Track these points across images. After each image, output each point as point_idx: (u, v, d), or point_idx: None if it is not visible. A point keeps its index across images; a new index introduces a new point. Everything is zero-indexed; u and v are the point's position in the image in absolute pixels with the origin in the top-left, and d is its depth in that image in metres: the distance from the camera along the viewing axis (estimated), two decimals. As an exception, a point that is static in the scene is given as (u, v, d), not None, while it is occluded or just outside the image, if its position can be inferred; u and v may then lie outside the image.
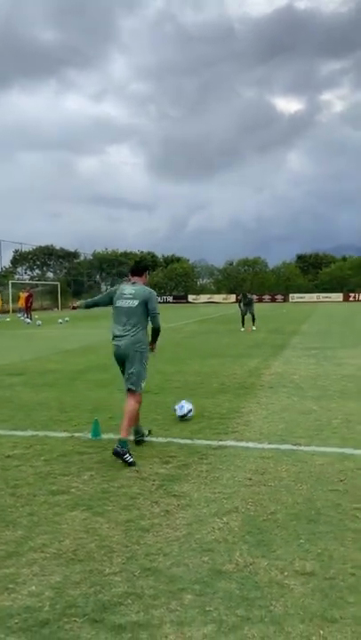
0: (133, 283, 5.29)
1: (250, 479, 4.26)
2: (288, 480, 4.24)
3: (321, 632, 2.40)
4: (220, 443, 5.27)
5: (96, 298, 5.56)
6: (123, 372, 5.22)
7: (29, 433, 5.78)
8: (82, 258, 69.66)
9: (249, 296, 21.08)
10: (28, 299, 30.76)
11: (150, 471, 4.49)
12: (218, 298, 67.28)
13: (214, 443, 5.27)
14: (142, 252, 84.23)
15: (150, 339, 5.30)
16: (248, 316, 20.55)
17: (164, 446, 5.19)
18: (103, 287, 74.14)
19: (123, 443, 4.74)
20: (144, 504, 3.79)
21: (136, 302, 5.12)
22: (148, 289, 5.21)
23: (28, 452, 5.10)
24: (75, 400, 7.51)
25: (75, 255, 68.60)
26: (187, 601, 2.65)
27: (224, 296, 67.70)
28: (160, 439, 5.44)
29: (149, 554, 3.11)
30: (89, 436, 5.56)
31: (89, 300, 5.64)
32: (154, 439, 5.43)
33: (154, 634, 2.40)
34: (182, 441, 5.36)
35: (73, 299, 56.14)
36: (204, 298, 67.56)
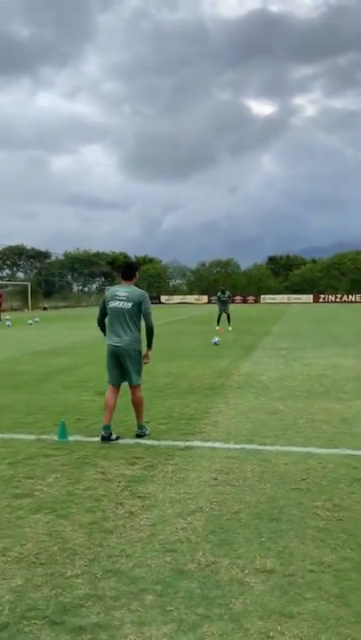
0: (126, 285, 5.57)
1: (215, 479, 4.30)
2: (253, 479, 4.29)
3: (279, 627, 2.45)
4: (187, 443, 5.30)
5: (98, 317, 5.74)
6: (113, 369, 5.51)
7: (-5, 436, 5.71)
8: (53, 258, 68.87)
9: (226, 294, 21.22)
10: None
11: (116, 472, 4.49)
12: (190, 299, 67.53)
13: (181, 443, 5.30)
14: (114, 252, 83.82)
15: (146, 340, 5.58)
16: (224, 316, 20.69)
17: (131, 447, 5.20)
18: (75, 288, 73.54)
19: (141, 427, 5.58)
20: (108, 506, 3.79)
21: (130, 304, 5.42)
22: (141, 291, 5.51)
23: (-8, 455, 5.03)
24: (42, 402, 7.45)
25: (46, 255, 67.76)
26: (148, 601, 2.67)
27: (196, 297, 68.00)
28: (127, 441, 5.45)
29: (112, 555, 3.11)
30: (55, 438, 5.53)
31: (100, 325, 5.75)
32: (121, 441, 5.43)
33: (114, 634, 2.41)
34: (149, 442, 5.39)
35: (43, 299, 55.57)
36: (176, 299, 67.74)
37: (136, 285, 5.63)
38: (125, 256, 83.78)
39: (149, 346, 5.62)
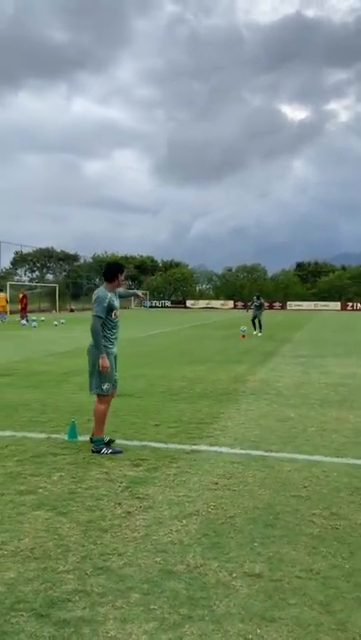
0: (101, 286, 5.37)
1: (216, 483, 4.33)
2: (253, 485, 4.30)
3: (258, 631, 2.48)
4: (194, 447, 5.33)
5: None
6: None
7: (8, 433, 5.85)
8: (82, 261, 69.84)
9: (259, 300, 21.20)
10: (22, 300, 30.90)
11: (119, 473, 4.56)
12: (216, 303, 67.40)
13: (187, 447, 5.33)
14: (142, 255, 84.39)
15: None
16: (257, 321, 20.58)
17: (138, 450, 5.26)
18: (102, 290, 73.85)
19: (94, 441, 5.18)
20: (107, 505, 3.86)
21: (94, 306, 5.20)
22: (100, 291, 5.22)
23: (2, 452, 5.16)
24: (57, 402, 7.58)
25: (74, 258, 68.87)
26: (133, 599, 2.73)
27: (222, 302, 67.83)
28: (135, 442, 5.50)
29: (104, 553, 3.18)
30: (65, 437, 5.63)
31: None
32: (129, 442, 5.50)
33: (96, 629, 2.48)
34: (156, 445, 5.43)
35: (71, 301, 56.32)
36: (202, 303, 67.71)
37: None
38: (153, 260, 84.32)
39: (100, 350, 5.17)
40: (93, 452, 5.14)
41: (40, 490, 4.17)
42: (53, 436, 5.77)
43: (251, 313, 21.48)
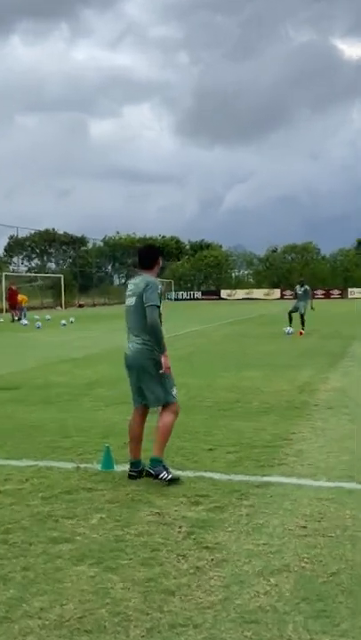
0: (139, 274, 5.34)
1: (304, 527, 4.16)
2: (354, 529, 4.11)
3: None
4: (265, 479, 5.19)
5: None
6: (132, 385, 5.36)
7: (25, 463, 5.78)
8: (90, 245, 70.28)
9: (303, 288, 20.95)
10: (11, 295, 31.26)
11: (176, 515, 4.41)
12: (258, 293, 67.18)
13: (257, 479, 5.20)
14: (164, 236, 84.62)
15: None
16: (296, 314, 20.36)
17: (193, 482, 5.12)
18: (116, 281, 74.63)
19: (155, 461, 5.09)
20: (168, 558, 3.71)
21: (134, 299, 5.19)
22: (148, 278, 5.20)
23: (23, 486, 5.08)
24: (81, 422, 7.50)
25: (82, 242, 69.27)
26: None
27: (266, 291, 67.57)
28: (188, 473, 5.37)
29: (175, 625, 3.00)
30: (98, 467, 5.55)
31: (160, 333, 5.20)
32: (181, 473, 5.35)
33: None
34: (216, 476, 5.29)
35: (79, 295, 56.74)
36: (240, 293, 67.56)
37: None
38: (178, 241, 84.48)
39: (159, 351, 5.12)
40: (149, 474, 5.11)
41: (78, 537, 4.04)
42: (83, 465, 5.69)
43: (293, 304, 21.18)
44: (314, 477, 5.21)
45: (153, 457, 5.15)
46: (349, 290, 63.95)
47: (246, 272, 79.84)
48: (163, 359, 5.10)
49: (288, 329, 19.70)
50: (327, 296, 62.45)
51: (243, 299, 64.65)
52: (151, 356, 5.14)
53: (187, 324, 25.23)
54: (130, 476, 5.24)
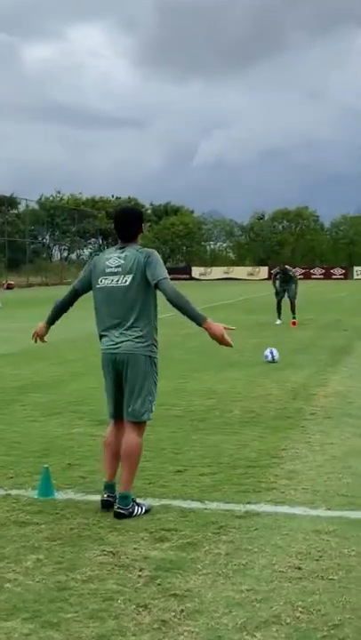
0: (122, 248, 5.35)
1: (298, 569, 4.21)
2: (361, 570, 4.20)
3: None
4: (249, 507, 5.25)
5: (66, 295, 5.61)
6: (113, 390, 5.38)
7: None
8: (22, 207, 69.66)
9: (289, 271, 21.24)
10: None
11: (135, 554, 4.43)
12: (240, 272, 67.67)
13: (239, 508, 5.26)
14: (119, 198, 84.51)
15: (188, 318, 5.20)
16: (286, 302, 20.68)
17: (158, 513, 5.17)
18: (56, 254, 74.24)
19: (122, 498, 5.12)
20: (125, 610, 3.72)
21: (129, 278, 5.18)
22: (142, 250, 5.28)
23: None
24: (10, 436, 7.55)
25: (11, 203, 68.63)
26: None
27: (250, 269, 68.01)
28: (149, 501, 5.42)
29: None
30: (34, 494, 5.58)
31: (53, 308, 5.65)
32: (140, 501, 5.39)
33: None
34: (187, 504, 5.35)
35: (7, 272, 56.29)
36: (217, 272, 67.99)
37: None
38: (137, 203, 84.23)
39: (200, 319, 5.08)
40: (121, 514, 5.07)
41: (8, 585, 4.03)
42: (14, 491, 5.71)
43: (277, 291, 21.37)
44: (311, 505, 5.28)
45: (123, 493, 5.17)
46: (355, 269, 64.72)
47: (225, 245, 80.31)
48: (212, 326, 5.02)
49: (279, 322, 20.02)
50: (327, 276, 63.21)
51: (221, 279, 65.01)
52: (149, 351, 5.27)
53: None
54: (104, 505, 5.25)
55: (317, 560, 4.33)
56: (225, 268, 69.02)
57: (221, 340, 5.10)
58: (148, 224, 78.30)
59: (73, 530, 4.85)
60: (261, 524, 4.90)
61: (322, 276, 62.40)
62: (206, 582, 4.03)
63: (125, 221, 5.46)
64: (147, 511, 5.16)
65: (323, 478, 5.93)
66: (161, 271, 5.15)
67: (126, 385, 5.23)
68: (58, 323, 5.71)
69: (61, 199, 77.85)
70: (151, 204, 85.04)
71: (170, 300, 5.10)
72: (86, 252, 77.55)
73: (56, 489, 5.58)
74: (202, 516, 5.08)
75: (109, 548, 4.52)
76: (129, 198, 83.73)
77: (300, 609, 3.72)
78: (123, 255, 5.26)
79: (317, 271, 63.15)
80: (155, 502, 5.38)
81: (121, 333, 5.21)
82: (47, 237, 75.07)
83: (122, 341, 5.19)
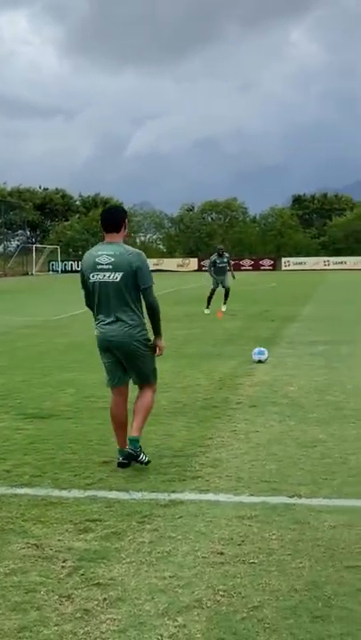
0: (109, 243, 6.02)
1: (220, 554, 4.29)
2: (281, 553, 4.29)
3: None
4: (173, 496, 5.32)
5: (85, 299, 6.33)
6: (111, 365, 6.14)
7: None
8: None
9: (225, 258, 21.35)
10: None
11: (59, 546, 4.46)
12: (170, 264, 67.75)
13: (164, 497, 5.33)
14: (47, 189, 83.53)
15: (151, 325, 6.15)
16: (220, 290, 20.84)
17: (83, 504, 5.20)
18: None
19: (133, 441, 5.95)
20: (48, 600, 3.75)
21: (119, 275, 5.86)
22: (133, 251, 6.01)
23: None
24: None
25: None
26: None
27: (179, 261, 68.17)
28: (75, 493, 5.45)
29: None
30: None
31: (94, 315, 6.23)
32: (67, 494, 5.44)
33: None
34: (112, 495, 5.39)
35: None
36: (148, 264, 67.73)
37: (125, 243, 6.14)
38: (64, 195, 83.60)
39: (157, 333, 6.18)
40: (131, 455, 5.94)
41: None
42: None
43: (212, 280, 21.56)
44: (234, 492, 5.38)
45: (132, 437, 5.96)
46: (283, 260, 65.61)
47: (155, 236, 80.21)
48: (159, 342, 6.14)
49: (207, 311, 20.20)
50: (256, 267, 63.92)
51: (151, 270, 64.84)
52: (141, 336, 6.01)
53: (78, 302, 25.04)
54: (119, 465, 6.03)
55: (239, 545, 4.42)
56: (155, 260, 68.80)
57: (158, 354, 6.27)
58: (77, 216, 77.78)
59: (-2, 519, 4.85)
60: (186, 512, 4.99)
61: (251, 267, 63.04)
62: (130, 570, 4.10)
63: (109, 217, 6.18)
64: (147, 463, 5.94)
65: (247, 465, 6.04)
66: (148, 278, 6.01)
67: (127, 365, 6.08)
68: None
69: (-15, 191, 76.28)
70: (80, 196, 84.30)
71: (147, 307, 6.07)
72: (14, 243, 76.39)
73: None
74: (127, 505, 5.14)
75: (33, 541, 4.54)
76: (57, 190, 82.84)
77: (221, 592, 3.81)
78: (112, 254, 5.89)
79: (246, 262, 63.73)
80: (80, 494, 5.41)
81: (114, 321, 5.91)
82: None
83: (115, 329, 5.91)
